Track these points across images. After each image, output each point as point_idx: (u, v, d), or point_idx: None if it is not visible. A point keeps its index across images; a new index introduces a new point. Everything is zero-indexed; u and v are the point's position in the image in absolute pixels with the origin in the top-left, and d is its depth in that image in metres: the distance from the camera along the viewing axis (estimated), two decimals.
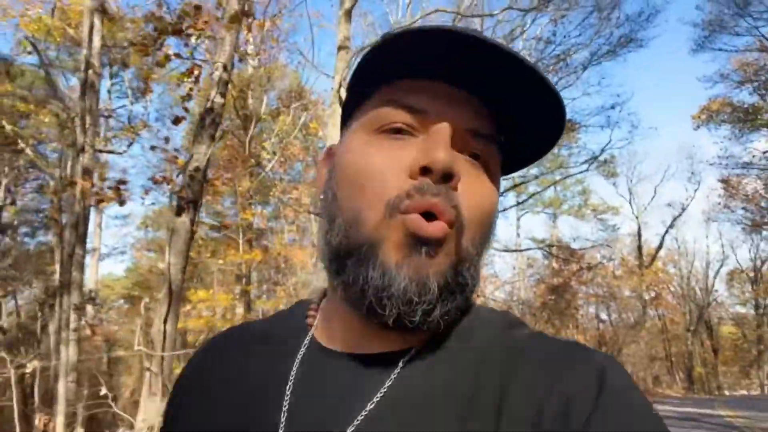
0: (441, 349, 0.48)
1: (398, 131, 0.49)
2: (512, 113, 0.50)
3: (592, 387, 0.42)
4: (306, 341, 0.54)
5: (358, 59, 0.51)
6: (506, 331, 0.50)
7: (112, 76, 14.97)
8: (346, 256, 0.47)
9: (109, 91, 14.72)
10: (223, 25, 5.30)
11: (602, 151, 16.47)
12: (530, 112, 0.49)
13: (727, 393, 38.44)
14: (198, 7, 4.86)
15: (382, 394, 0.46)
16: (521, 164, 0.57)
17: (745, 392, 40.31)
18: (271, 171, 12.47)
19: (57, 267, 11.17)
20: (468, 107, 0.49)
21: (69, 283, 5.88)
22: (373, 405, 0.45)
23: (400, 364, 0.48)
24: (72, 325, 6.03)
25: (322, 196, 0.54)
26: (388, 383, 0.47)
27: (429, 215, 0.45)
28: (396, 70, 0.49)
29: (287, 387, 0.49)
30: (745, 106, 20.83)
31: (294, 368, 0.51)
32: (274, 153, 13.79)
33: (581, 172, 18.05)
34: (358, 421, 0.45)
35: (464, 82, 0.49)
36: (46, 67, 9.00)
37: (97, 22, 7.84)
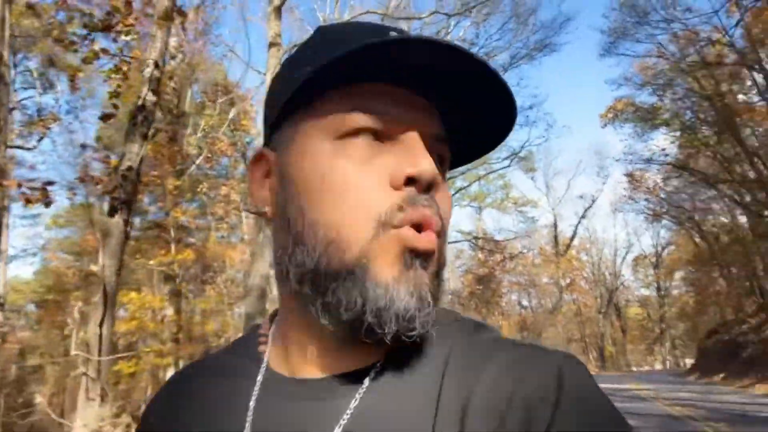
0: (404, 363, 0.47)
1: (371, 137, 0.46)
2: (467, 116, 0.51)
3: (551, 389, 0.42)
4: (261, 371, 0.51)
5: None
6: (466, 337, 0.48)
7: (15, 66, 13.96)
8: (331, 278, 0.44)
9: (12, 81, 13.71)
10: (154, 22, 5.22)
11: (522, 148, 17.57)
12: (485, 113, 0.50)
13: (634, 369, 41.94)
14: (128, 3, 4.77)
15: (348, 417, 0.44)
16: (466, 160, 0.57)
17: (649, 367, 44.12)
18: (198, 167, 12.17)
19: None
20: (429, 113, 0.49)
21: None
22: (340, 429, 0.44)
23: (366, 382, 0.46)
24: None
25: (268, 209, 0.51)
26: (353, 404, 0.45)
27: (418, 227, 0.44)
28: (353, 73, 0.46)
29: (247, 423, 0.47)
30: (646, 106, 22.74)
31: (252, 401, 0.49)
32: (200, 148, 13.45)
33: (504, 168, 19.12)
34: None
35: (422, 88, 0.48)
36: None
37: (6, 12, 7.36)
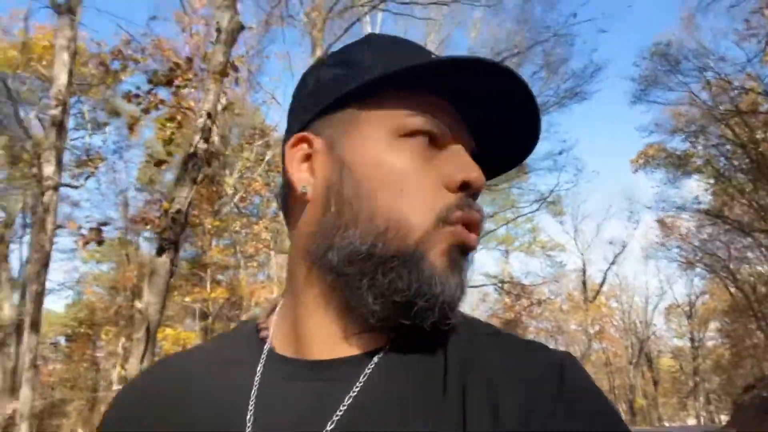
0: (409, 346, 0.48)
1: (426, 141, 0.50)
2: (491, 138, 0.55)
3: (553, 381, 0.44)
4: (264, 355, 0.52)
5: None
6: (465, 327, 0.50)
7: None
8: (386, 261, 0.46)
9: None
10: (209, 77, 5.58)
11: (551, 192, 17.58)
12: (508, 138, 0.55)
13: (666, 424, 40.04)
14: (189, 59, 5.13)
15: (352, 398, 0.46)
16: None
17: (682, 423, 42.05)
18: (235, 206, 12.56)
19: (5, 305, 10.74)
20: (467, 130, 0.54)
21: (37, 323, 5.81)
22: (342, 411, 0.45)
23: (375, 359, 0.48)
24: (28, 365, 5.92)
25: (308, 189, 0.52)
26: (358, 386, 0.46)
27: (468, 227, 0.49)
28: (413, 81, 0.50)
29: (250, 406, 0.48)
30: (678, 152, 22.58)
31: (255, 385, 0.49)
32: (236, 188, 13.88)
33: (532, 211, 19.10)
34: (332, 425, 0.44)
35: (463, 106, 0.53)
36: (15, 102, 8.90)
37: (68, 59, 7.93)
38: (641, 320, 39.87)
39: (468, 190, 0.49)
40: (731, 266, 26.97)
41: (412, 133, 0.49)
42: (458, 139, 0.52)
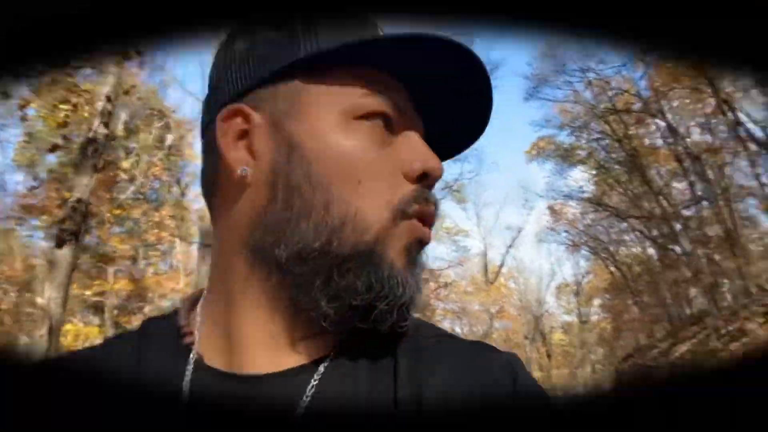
0: (356, 351, 0.45)
1: (382, 124, 0.46)
2: (437, 125, 0.51)
3: (507, 380, 0.44)
4: (189, 368, 0.45)
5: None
6: (411, 330, 0.47)
7: None
8: (342, 260, 0.42)
9: None
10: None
11: (455, 181, 18.56)
12: (457, 122, 0.52)
13: (560, 394, 43.53)
14: None
15: (308, 399, 0.42)
16: None
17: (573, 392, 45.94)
18: (138, 192, 11.99)
19: None
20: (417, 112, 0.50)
21: None
22: (302, 410, 0.42)
23: (321, 369, 0.44)
24: None
25: (248, 170, 0.45)
26: (305, 400, 0.42)
27: (424, 220, 0.46)
28: (369, 56, 0.45)
29: None
30: (565, 145, 24.63)
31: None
32: (133, 173, 13.20)
33: (438, 199, 20.00)
34: None
35: (415, 86, 0.48)
36: None
37: None
38: (536, 299, 43.02)
39: (426, 180, 0.46)
40: (611, 248, 29.92)
41: (367, 115, 0.45)
42: (412, 124, 0.48)
